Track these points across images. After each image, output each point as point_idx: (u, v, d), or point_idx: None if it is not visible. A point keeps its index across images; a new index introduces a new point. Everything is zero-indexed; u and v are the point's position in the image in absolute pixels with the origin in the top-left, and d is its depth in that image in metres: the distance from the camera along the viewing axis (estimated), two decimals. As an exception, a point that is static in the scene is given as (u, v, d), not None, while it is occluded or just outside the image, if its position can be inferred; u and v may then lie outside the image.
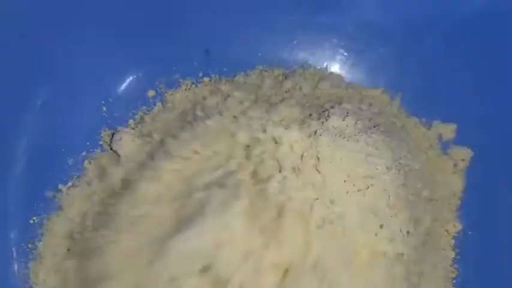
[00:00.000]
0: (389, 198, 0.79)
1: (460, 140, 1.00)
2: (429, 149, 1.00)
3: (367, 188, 0.77)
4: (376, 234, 0.77)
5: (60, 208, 0.92)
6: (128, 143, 0.92)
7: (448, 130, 1.01)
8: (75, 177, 0.96)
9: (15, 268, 0.88)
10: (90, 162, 0.96)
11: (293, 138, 0.79)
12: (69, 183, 0.95)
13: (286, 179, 0.76)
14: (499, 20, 0.96)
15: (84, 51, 0.97)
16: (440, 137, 1.01)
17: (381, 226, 0.77)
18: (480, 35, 0.97)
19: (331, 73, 1.06)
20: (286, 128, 0.83)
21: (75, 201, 0.92)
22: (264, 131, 0.83)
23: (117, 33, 0.99)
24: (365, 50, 1.05)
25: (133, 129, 0.96)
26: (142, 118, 1.00)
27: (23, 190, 0.92)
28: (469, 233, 0.95)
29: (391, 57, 1.03)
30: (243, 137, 0.83)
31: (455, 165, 0.99)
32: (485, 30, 0.97)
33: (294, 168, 0.77)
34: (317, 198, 0.75)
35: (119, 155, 0.92)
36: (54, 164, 0.95)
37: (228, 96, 0.95)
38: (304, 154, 0.77)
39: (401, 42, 1.02)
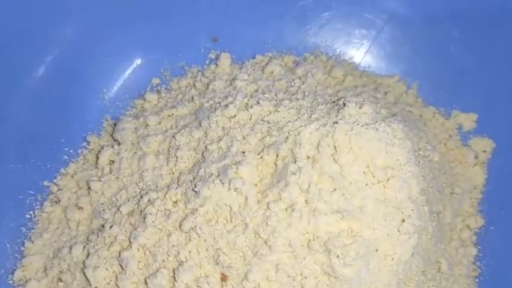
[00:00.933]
0: (410, 191, 0.75)
1: (481, 130, 0.97)
2: (448, 140, 0.97)
3: (388, 179, 0.73)
4: (398, 229, 0.73)
5: (57, 200, 0.90)
6: (129, 132, 0.89)
7: (469, 120, 0.98)
8: (73, 167, 0.93)
9: (7, 264, 0.85)
10: (90, 152, 0.94)
11: (308, 127, 0.76)
12: (67, 174, 0.92)
13: (301, 169, 0.72)
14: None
15: (82, 35, 0.94)
16: (460, 127, 0.99)
17: (403, 220, 0.73)
18: (502, 22, 0.95)
19: (344, 60, 1.03)
20: (300, 116, 0.80)
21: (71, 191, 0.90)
22: (277, 121, 0.81)
23: (118, 16, 0.96)
24: (380, 36, 1.02)
25: (136, 118, 0.92)
26: (146, 107, 0.97)
27: (18, 183, 0.89)
28: (492, 228, 0.92)
29: (408, 44, 1.01)
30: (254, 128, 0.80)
31: (476, 157, 0.96)
32: (508, 17, 0.94)
33: (309, 158, 0.73)
34: (335, 190, 0.71)
35: (119, 144, 0.89)
36: (52, 155, 0.92)
37: (237, 84, 0.92)
38: (321, 143, 0.73)
39: (419, 28, 0.99)
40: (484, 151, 0.96)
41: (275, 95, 0.87)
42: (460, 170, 0.95)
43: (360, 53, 1.03)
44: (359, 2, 1.01)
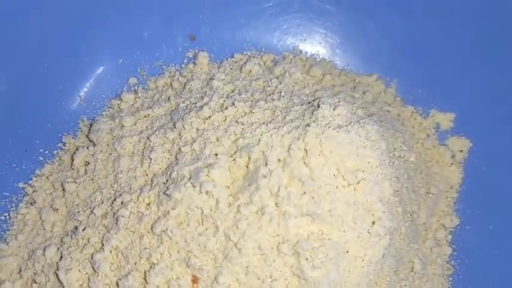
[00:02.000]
0: (382, 193, 0.75)
1: (458, 130, 0.98)
2: (426, 139, 0.97)
3: (358, 182, 0.73)
4: (368, 231, 0.73)
5: (32, 201, 0.89)
6: (105, 133, 0.89)
7: (446, 119, 0.98)
8: (48, 168, 0.93)
9: None
10: (65, 153, 0.93)
11: (280, 129, 0.76)
12: (43, 175, 0.92)
13: (272, 173, 0.72)
14: (499, 4, 0.93)
15: (58, 33, 0.93)
16: (437, 126, 0.99)
17: (373, 223, 0.74)
18: (480, 20, 0.94)
19: (323, 59, 1.02)
20: (274, 117, 0.80)
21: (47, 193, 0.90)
22: (251, 122, 0.80)
23: (95, 15, 0.95)
24: (359, 35, 1.01)
25: (112, 118, 0.92)
26: (122, 107, 0.96)
27: None
28: (467, 227, 0.93)
29: (386, 43, 1.00)
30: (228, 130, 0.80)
31: (453, 156, 0.97)
32: (485, 14, 0.94)
33: (280, 161, 0.74)
34: (304, 193, 0.72)
35: (95, 145, 0.89)
36: (26, 156, 0.92)
37: (213, 84, 0.92)
38: (292, 146, 0.73)
39: (397, 27, 0.99)
40: (461, 151, 0.96)
41: (251, 95, 0.87)
42: (437, 169, 0.95)
43: (339, 51, 1.02)
44: (337, 1, 0.99)
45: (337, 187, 0.73)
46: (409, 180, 0.86)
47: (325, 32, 1.02)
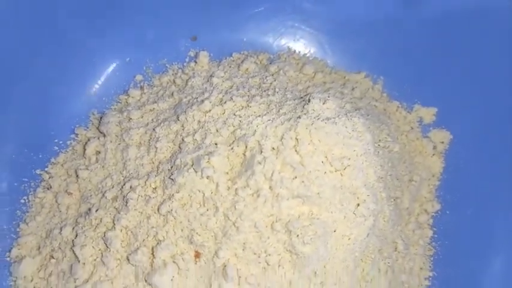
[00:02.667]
0: (366, 179, 0.81)
1: (439, 123, 1.02)
2: (410, 131, 1.02)
3: (344, 168, 0.79)
4: (353, 213, 0.79)
5: (48, 186, 0.94)
6: (114, 125, 0.93)
7: (429, 114, 1.03)
8: (63, 157, 0.97)
9: (5, 243, 0.90)
10: (78, 143, 0.98)
11: (274, 121, 0.81)
12: (58, 163, 0.96)
13: (266, 159, 0.78)
14: (479, 6, 0.97)
15: (71, 35, 0.97)
16: (420, 120, 1.03)
17: (358, 205, 0.79)
18: (461, 21, 0.99)
19: (315, 58, 1.07)
20: (269, 111, 0.85)
21: (62, 179, 0.95)
22: (248, 115, 0.85)
23: (104, 18, 1.00)
24: (348, 36, 1.06)
25: (120, 112, 0.97)
26: (129, 102, 1.01)
27: (13, 172, 0.93)
28: (447, 212, 0.98)
29: (374, 43, 1.04)
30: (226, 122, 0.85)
31: (434, 147, 1.01)
32: (466, 15, 0.98)
33: (273, 149, 0.79)
34: (295, 177, 0.77)
35: (105, 136, 0.94)
36: (43, 146, 0.96)
37: (213, 81, 0.96)
38: (284, 136, 0.79)
39: (383, 28, 1.03)
40: (442, 142, 1.01)
41: (248, 91, 0.91)
42: (420, 159, 0.99)
43: (330, 51, 1.07)
44: (328, 4, 1.04)
45: (325, 172, 0.78)
46: (393, 168, 0.90)
47: (316, 33, 1.07)
